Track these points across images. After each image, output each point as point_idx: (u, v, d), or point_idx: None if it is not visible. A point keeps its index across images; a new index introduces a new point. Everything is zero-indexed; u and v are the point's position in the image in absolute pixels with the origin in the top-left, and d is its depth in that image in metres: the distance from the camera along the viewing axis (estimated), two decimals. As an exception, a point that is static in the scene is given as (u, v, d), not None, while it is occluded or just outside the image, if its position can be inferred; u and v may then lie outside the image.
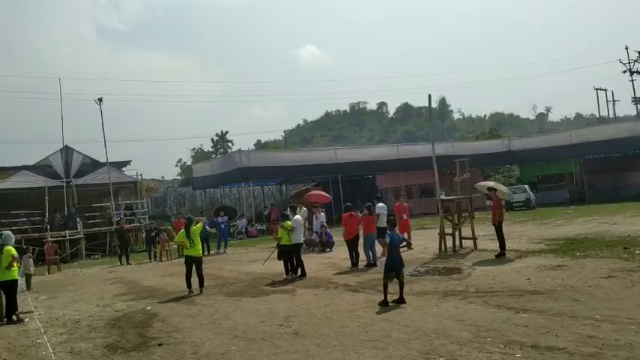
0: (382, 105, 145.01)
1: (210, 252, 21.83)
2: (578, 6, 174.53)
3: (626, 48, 46.86)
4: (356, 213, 14.20)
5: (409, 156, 36.05)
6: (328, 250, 18.77)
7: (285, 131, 68.84)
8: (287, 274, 12.96)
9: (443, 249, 15.18)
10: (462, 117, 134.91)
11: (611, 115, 51.17)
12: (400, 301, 8.86)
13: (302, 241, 12.73)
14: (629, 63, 46.37)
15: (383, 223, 15.81)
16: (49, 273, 19.27)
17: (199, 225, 12.23)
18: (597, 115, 51.56)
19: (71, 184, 26.13)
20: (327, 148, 41.11)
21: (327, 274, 12.80)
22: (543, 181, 39.40)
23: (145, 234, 24.10)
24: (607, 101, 50.18)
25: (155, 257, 21.43)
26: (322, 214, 19.88)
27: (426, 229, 23.98)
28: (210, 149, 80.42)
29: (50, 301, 12.84)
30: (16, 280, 10.38)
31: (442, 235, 15.47)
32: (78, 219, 25.16)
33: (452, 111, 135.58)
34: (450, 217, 15.57)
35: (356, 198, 26.02)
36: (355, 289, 10.77)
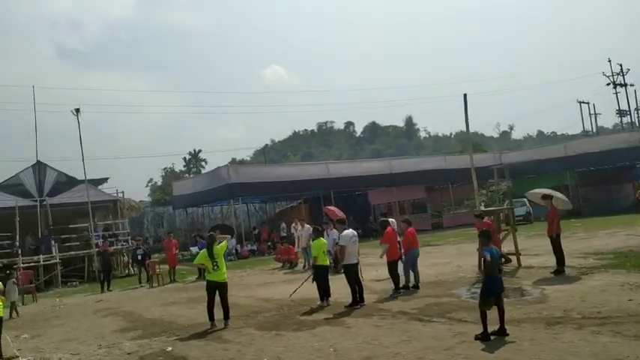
0: (349, 124, 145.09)
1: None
2: (530, 29, 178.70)
3: (609, 60, 46.84)
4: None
5: (402, 171, 34.58)
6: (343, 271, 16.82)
7: (263, 149, 66.16)
8: (322, 300, 11.02)
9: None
10: (428, 135, 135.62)
11: (593, 129, 50.98)
12: (501, 332, 7.09)
13: (356, 262, 10.76)
14: (612, 75, 46.29)
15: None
16: (23, 304, 16.74)
17: (224, 244, 10.21)
18: (559, 132, 51.24)
19: (45, 203, 23.57)
20: (319, 163, 39.34)
21: (370, 300, 10.87)
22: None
23: (130, 256, 21.74)
24: (590, 114, 49.93)
25: (147, 281, 19.17)
26: (334, 231, 17.94)
27: (431, 245, 22.41)
28: (183, 168, 77.63)
29: (36, 340, 10.54)
30: (1, 319, 8.19)
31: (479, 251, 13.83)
32: (53, 242, 22.61)
33: (418, 130, 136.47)
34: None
35: (349, 215, 23.98)
36: (419, 317, 8.95)
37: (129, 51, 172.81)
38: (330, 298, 11.11)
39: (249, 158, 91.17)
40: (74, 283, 21.98)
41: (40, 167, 24.64)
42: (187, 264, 24.50)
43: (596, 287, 9.93)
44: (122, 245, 23.99)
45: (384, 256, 11.42)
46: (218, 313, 9.88)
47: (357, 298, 10.50)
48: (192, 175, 70.81)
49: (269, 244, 30.77)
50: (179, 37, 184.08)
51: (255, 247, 29.60)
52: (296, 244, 19.71)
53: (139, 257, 19.43)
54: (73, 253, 23.19)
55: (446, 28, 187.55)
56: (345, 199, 33.44)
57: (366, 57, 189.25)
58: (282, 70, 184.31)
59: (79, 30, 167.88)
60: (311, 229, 18.81)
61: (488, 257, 7.35)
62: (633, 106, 49.48)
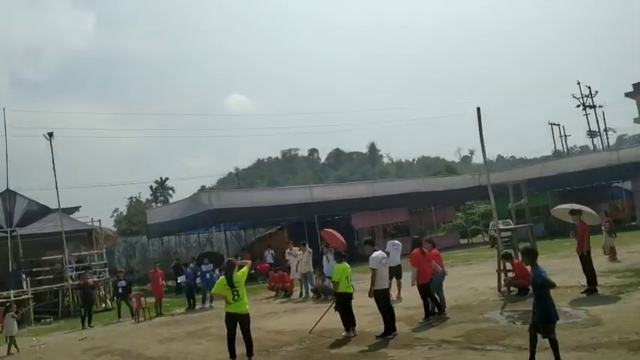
0: (313, 151, 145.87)
1: (196, 306, 18.53)
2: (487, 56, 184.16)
3: (578, 83, 47.80)
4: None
5: (385, 194, 33.96)
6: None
7: (236, 175, 64.82)
8: (347, 330, 10.03)
9: (507, 288, 12.77)
10: (390, 161, 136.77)
11: (565, 149, 51.73)
12: None
13: (388, 287, 9.80)
14: (582, 97, 47.20)
15: (396, 261, 13.94)
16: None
17: (244, 270, 9.14)
18: (529, 156, 51.84)
19: (15, 234, 21.86)
20: (302, 187, 38.28)
21: (401, 329, 9.92)
22: (517, 215, 38.17)
23: (109, 289, 20.21)
24: (560, 136, 50.67)
25: (132, 316, 17.76)
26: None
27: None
28: (150, 197, 75.41)
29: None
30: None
31: (500, 272, 13.14)
32: (24, 275, 20.88)
33: (382, 156, 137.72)
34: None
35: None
36: (470, 346, 8.09)
37: (86, 80, 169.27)
38: (355, 328, 10.14)
39: (213, 187, 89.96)
40: (48, 319, 20.24)
41: (9, 196, 22.97)
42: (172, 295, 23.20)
43: (648, 308, 9.28)
44: (99, 277, 22.34)
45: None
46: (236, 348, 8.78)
47: (389, 327, 9.56)
48: (159, 205, 68.90)
49: (252, 272, 29.52)
50: (138, 65, 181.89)
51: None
52: (292, 271, 18.63)
53: (121, 290, 17.99)
54: (46, 287, 21.47)
55: (410, 56, 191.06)
56: (327, 224, 32.51)
57: (329, 84, 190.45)
58: (244, 97, 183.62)
59: (37, 59, 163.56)
60: (311, 253, 17.97)
61: (547, 278, 6.45)
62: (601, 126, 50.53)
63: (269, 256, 27.56)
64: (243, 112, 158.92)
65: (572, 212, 11.88)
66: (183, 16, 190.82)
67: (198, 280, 21.11)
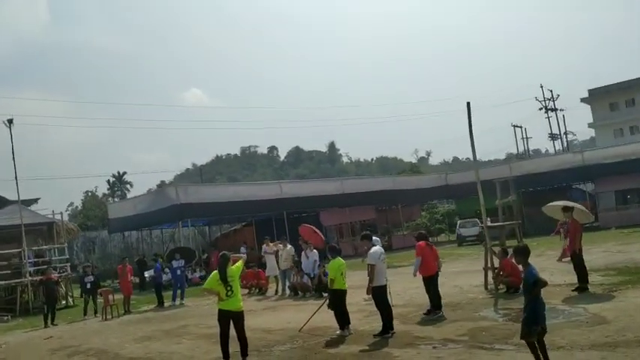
0: (273, 149, 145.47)
1: (165, 304, 17.74)
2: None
3: (541, 86, 48.74)
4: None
5: (354, 191, 33.71)
6: (327, 295, 15.40)
7: (199, 170, 63.46)
8: (342, 328, 9.58)
9: (495, 286, 12.60)
10: (350, 161, 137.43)
11: (528, 152, 52.70)
12: None
13: (386, 283, 9.34)
14: (545, 100, 48.15)
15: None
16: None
17: (239, 264, 8.56)
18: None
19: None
20: (271, 182, 37.67)
21: (396, 327, 9.51)
22: (489, 214, 38.54)
23: (72, 285, 19.13)
24: (522, 138, 51.59)
25: (95, 313, 16.88)
26: (315, 251, 16.59)
27: (400, 266, 21.43)
28: (107, 191, 73.11)
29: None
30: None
31: (488, 269, 12.98)
32: (-22, 271, 19.61)
33: (341, 155, 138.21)
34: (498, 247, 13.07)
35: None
36: (478, 345, 7.77)
37: (42, 70, 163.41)
38: (350, 326, 9.70)
39: (171, 182, 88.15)
40: (5, 317, 19.04)
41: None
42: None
43: (646, 305, 9.19)
44: (60, 273, 21.14)
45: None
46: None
47: (388, 325, 9.16)
48: (116, 199, 66.92)
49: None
50: (93, 58, 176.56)
51: (204, 273, 27.45)
52: (268, 267, 18.07)
53: (89, 285, 17.05)
54: (3, 282, 20.21)
55: (373, 51, 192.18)
56: (295, 220, 32.04)
57: (290, 80, 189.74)
58: (202, 92, 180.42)
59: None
60: (292, 249, 17.45)
61: (540, 277, 6.09)
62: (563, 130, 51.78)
63: (244, 251, 26.73)
64: (202, 107, 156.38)
65: (565, 209, 11.76)
66: (142, 8, 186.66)
67: (166, 277, 20.44)
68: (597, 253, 18.80)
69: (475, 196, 40.37)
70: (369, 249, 9.46)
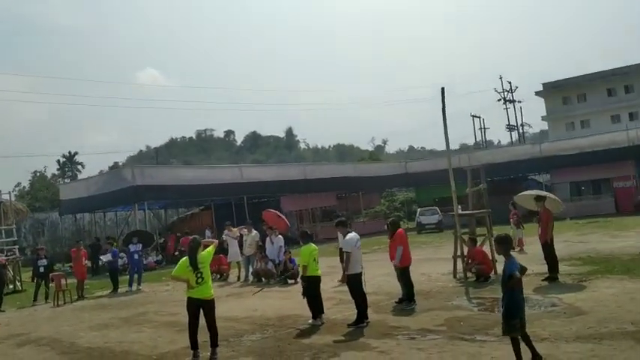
0: (230, 133, 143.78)
1: (119, 289, 17.00)
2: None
3: (500, 78, 49.40)
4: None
5: (316, 177, 33.35)
6: (293, 281, 15.06)
7: (155, 152, 61.78)
8: (315, 317, 9.21)
9: (464, 274, 12.48)
10: (307, 147, 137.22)
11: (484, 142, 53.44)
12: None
13: (361, 271, 8.96)
14: (504, 92, 48.85)
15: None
16: None
17: (210, 249, 8.02)
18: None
19: None
20: (231, 166, 36.74)
21: (370, 316, 9.20)
22: (441, 203, 38.90)
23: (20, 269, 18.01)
24: (480, 128, 52.29)
25: (46, 298, 16.00)
26: (280, 237, 16.14)
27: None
28: (57, 172, 70.41)
29: None
30: None
31: (457, 258, 12.86)
32: None
33: (298, 141, 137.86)
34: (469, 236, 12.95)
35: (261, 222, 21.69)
36: (458, 335, 7.54)
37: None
38: (324, 315, 9.35)
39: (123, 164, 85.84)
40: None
41: None
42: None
43: (618, 294, 9.18)
44: (8, 256, 19.96)
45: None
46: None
47: (362, 315, 8.84)
48: (67, 180, 64.60)
49: (176, 253, 27.99)
50: (44, 35, 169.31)
51: (160, 258, 26.66)
52: (230, 252, 17.53)
53: (42, 269, 16.12)
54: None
55: (332, 37, 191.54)
56: (255, 205, 31.48)
57: (248, 61, 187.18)
58: (159, 73, 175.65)
59: None
60: (257, 235, 16.94)
61: (517, 273, 5.79)
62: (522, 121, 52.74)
63: (209, 235, 26.03)
64: (157, 88, 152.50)
65: (538, 198, 11.71)
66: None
67: (120, 261, 19.71)
68: (559, 243, 18.78)
69: (434, 184, 40.99)
70: (345, 235, 9.09)
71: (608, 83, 58.48)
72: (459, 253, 12.75)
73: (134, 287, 17.15)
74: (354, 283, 8.85)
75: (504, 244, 6.23)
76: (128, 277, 17.55)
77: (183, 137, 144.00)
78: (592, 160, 32.06)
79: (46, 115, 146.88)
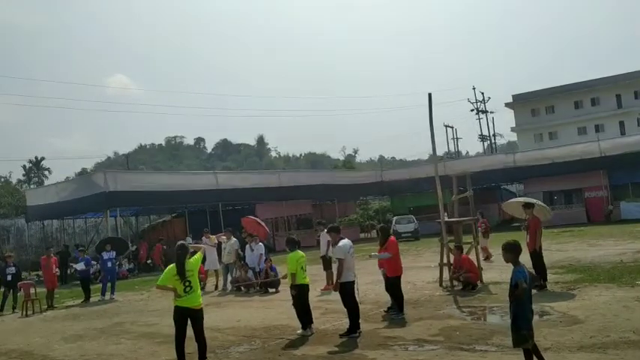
0: (200, 140, 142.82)
1: (90, 299, 16.38)
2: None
3: (474, 88, 49.96)
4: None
5: (292, 184, 33.02)
6: (274, 290, 14.70)
7: (126, 158, 60.55)
8: (304, 328, 8.87)
9: (450, 282, 12.30)
10: (278, 155, 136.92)
11: (458, 152, 53.87)
12: None
13: (354, 279, 8.63)
14: (476, 102, 49.39)
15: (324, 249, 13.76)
16: None
17: (198, 256, 7.62)
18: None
19: None
20: (206, 172, 36.05)
21: (363, 327, 8.90)
22: (415, 212, 38.97)
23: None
24: (452, 138, 52.74)
25: (13, 309, 15.30)
26: (260, 244, 15.76)
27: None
28: (22, 177, 68.39)
29: None
30: None
31: (443, 265, 12.69)
32: None
33: (269, 150, 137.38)
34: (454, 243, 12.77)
35: (238, 229, 21.13)
36: (457, 345, 7.29)
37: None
38: (313, 325, 9.02)
39: (92, 170, 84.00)
40: None
41: None
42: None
43: (611, 303, 9.07)
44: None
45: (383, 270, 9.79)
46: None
47: (355, 325, 8.54)
48: (33, 186, 62.80)
49: (148, 262, 27.33)
50: (11, 36, 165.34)
51: (132, 266, 25.91)
52: (207, 261, 17.01)
53: (9, 278, 15.38)
54: None
55: (306, 43, 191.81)
56: (230, 213, 30.96)
57: (217, 69, 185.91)
58: (128, 79, 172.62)
59: None
60: (237, 243, 16.51)
61: (524, 284, 5.46)
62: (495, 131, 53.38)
63: (190, 242, 25.32)
64: (126, 94, 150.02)
65: (526, 206, 11.60)
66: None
67: (92, 269, 19.12)
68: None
69: (409, 193, 41.00)
70: (337, 242, 8.79)
71: (575, 96, 59.90)
72: (444, 261, 12.58)
73: (107, 296, 16.52)
74: (346, 291, 8.55)
75: (512, 252, 5.82)
76: (101, 285, 16.87)
77: (153, 144, 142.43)
78: (565, 170, 32.51)
79: (10, 119, 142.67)
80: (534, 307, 9.34)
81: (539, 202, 12.10)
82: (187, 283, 7.16)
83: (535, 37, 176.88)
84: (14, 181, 66.42)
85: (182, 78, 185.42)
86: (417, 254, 22.69)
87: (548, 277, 12.09)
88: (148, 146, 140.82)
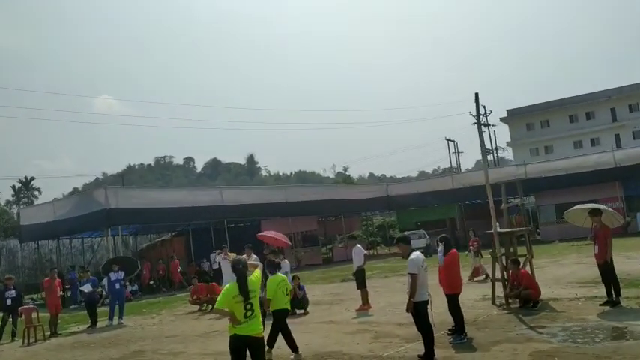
0: (189, 160, 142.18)
1: (97, 323, 15.07)
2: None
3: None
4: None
5: (298, 200, 31.84)
6: (302, 311, 13.49)
7: (121, 176, 58.89)
8: (295, 351, 8.40)
9: (505, 300, 11.17)
10: (268, 174, 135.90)
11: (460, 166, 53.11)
12: None
13: (428, 298, 7.44)
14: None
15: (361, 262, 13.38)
16: None
17: (257, 273, 6.41)
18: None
19: None
20: (211, 188, 34.77)
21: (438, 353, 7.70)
22: (422, 227, 37.87)
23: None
24: (454, 152, 51.97)
25: (13, 336, 13.90)
26: (286, 261, 14.53)
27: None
28: (12, 198, 66.52)
29: None
30: None
31: (495, 281, 11.58)
32: None
33: (260, 168, 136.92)
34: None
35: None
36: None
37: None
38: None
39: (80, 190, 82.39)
40: None
41: None
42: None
43: None
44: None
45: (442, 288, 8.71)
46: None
47: (430, 351, 7.36)
48: (22, 206, 61.00)
49: (151, 282, 25.95)
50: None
51: (136, 287, 24.49)
52: (225, 280, 15.75)
53: (10, 302, 13.96)
54: None
55: (294, 60, 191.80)
56: (235, 230, 29.68)
57: (203, 90, 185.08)
58: (113, 99, 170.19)
59: None
60: (258, 260, 15.23)
61: None
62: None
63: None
64: (112, 114, 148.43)
65: (593, 212, 10.45)
66: (52, 9, 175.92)
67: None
68: (572, 265, 18.09)
69: (415, 207, 39.83)
70: (408, 255, 7.62)
71: (570, 110, 59.73)
72: (498, 276, 11.46)
73: (115, 321, 15.14)
74: (420, 312, 7.36)
75: None
76: (109, 309, 15.50)
77: (142, 164, 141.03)
78: (578, 182, 31.58)
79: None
80: (620, 324, 8.34)
81: (608, 209, 10.99)
82: (249, 307, 5.91)
83: (530, 52, 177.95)
84: (2, 202, 64.51)
85: (168, 96, 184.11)
86: (433, 269, 21.49)
87: (598, 292, 11.10)
88: (137, 166, 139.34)
